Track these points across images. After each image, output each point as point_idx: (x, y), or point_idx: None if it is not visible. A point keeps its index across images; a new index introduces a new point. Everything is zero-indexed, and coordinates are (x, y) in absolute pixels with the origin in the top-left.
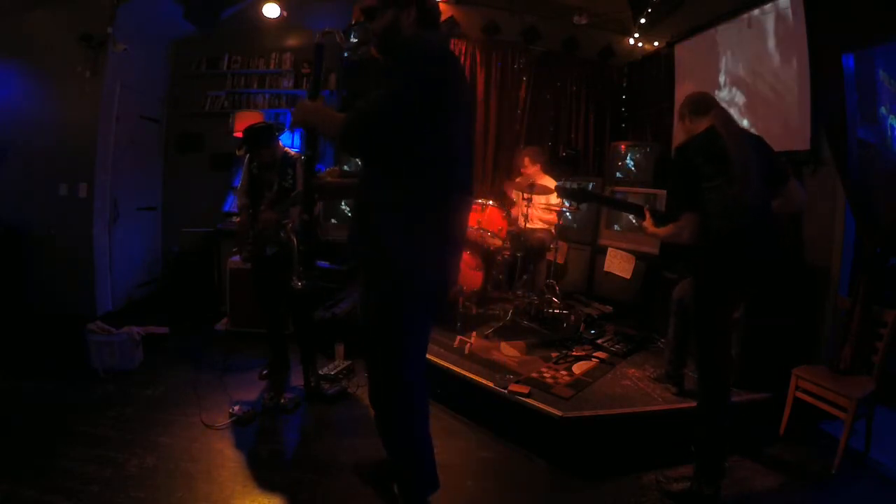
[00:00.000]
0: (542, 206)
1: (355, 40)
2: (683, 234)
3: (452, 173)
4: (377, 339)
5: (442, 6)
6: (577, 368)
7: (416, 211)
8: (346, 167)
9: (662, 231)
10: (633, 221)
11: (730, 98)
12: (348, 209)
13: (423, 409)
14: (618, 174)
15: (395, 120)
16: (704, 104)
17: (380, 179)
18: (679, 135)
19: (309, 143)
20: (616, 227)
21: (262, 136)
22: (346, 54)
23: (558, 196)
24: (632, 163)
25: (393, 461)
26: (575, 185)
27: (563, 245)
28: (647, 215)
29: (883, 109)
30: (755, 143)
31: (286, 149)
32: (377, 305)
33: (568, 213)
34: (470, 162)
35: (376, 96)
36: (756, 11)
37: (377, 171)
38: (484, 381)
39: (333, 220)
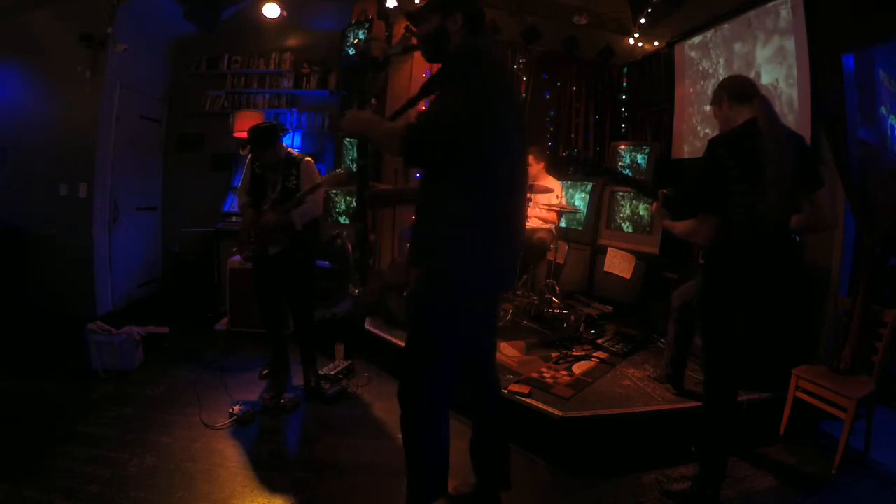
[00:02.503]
0: (542, 205)
1: (398, 48)
2: (699, 235)
3: (505, 180)
4: (417, 341)
5: (421, 3)
6: (577, 368)
7: (473, 219)
8: (353, 167)
9: (678, 226)
10: (644, 212)
11: None
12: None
13: (446, 414)
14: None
15: (456, 131)
16: (747, 90)
17: (437, 188)
18: (717, 120)
19: (361, 151)
20: (616, 227)
21: (266, 136)
22: (350, 52)
23: (568, 166)
24: (630, 162)
25: (407, 459)
26: (587, 156)
27: (563, 245)
28: (661, 199)
29: (883, 109)
30: (795, 144)
31: (289, 149)
32: (423, 309)
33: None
34: (523, 167)
35: (436, 108)
36: (756, 12)
37: (435, 180)
38: None
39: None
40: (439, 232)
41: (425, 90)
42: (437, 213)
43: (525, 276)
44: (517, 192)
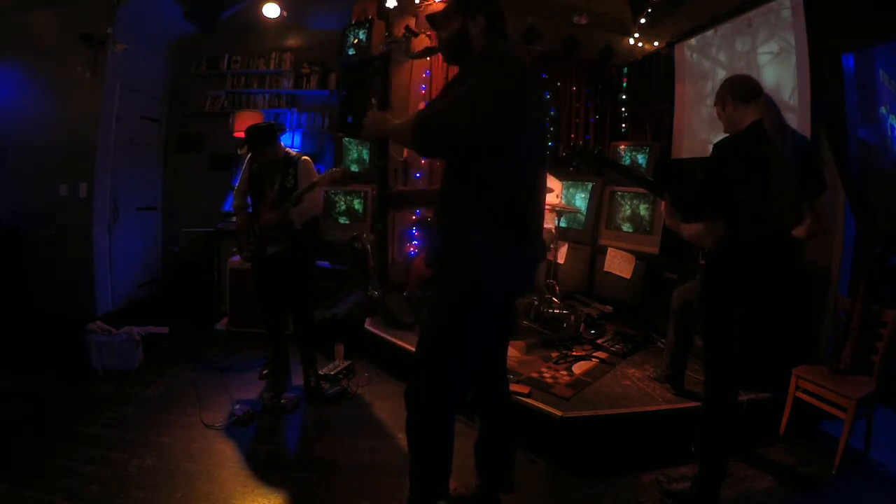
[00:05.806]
0: None
1: (418, 53)
2: (707, 239)
3: (525, 179)
4: (432, 343)
5: (441, 6)
6: (577, 368)
7: (491, 218)
8: (352, 167)
9: (686, 229)
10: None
11: None
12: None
13: (453, 417)
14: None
15: (471, 119)
16: (750, 90)
17: (456, 187)
18: (721, 122)
19: (381, 153)
20: (616, 227)
21: (265, 136)
22: (350, 52)
23: (572, 160)
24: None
25: (411, 460)
26: (591, 150)
27: (562, 245)
28: (668, 198)
29: (883, 109)
30: (800, 146)
31: (287, 149)
32: (442, 311)
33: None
34: (543, 168)
35: (449, 98)
36: (756, 11)
37: (453, 179)
38: None
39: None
40: (458, 232)
41: (447, 92)
42: (455, 213)
43: None
44: (537, 191)
